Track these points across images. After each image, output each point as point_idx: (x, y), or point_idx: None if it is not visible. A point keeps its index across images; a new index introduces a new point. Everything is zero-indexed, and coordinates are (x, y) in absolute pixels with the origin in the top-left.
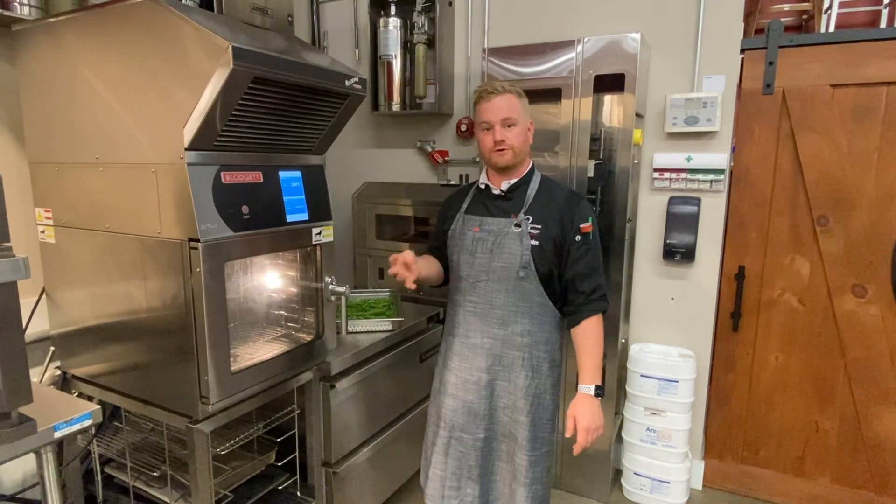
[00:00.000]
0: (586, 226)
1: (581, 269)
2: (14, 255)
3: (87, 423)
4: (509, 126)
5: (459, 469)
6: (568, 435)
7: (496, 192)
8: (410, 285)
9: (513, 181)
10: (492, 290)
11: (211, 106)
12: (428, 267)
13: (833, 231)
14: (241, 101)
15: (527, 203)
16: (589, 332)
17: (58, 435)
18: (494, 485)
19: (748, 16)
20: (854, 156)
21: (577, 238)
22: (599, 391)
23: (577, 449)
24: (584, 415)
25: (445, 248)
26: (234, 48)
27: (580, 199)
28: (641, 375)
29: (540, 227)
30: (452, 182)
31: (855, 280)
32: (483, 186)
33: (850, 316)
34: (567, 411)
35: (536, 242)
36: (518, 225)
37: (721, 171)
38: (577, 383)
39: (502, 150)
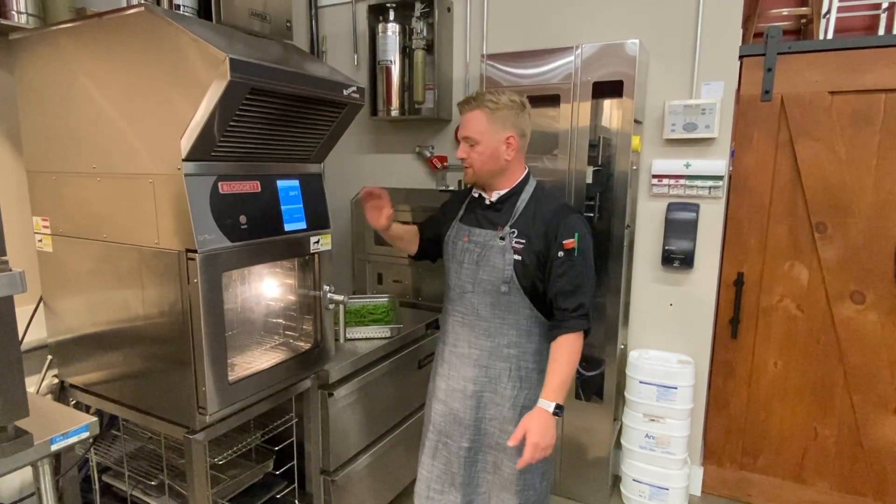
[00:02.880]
0: (569, 242)
1: (563, 286)
2: (11, 270)
3: (84, 435)
4: (471, 145)
5: (444, 473)
6: (511, 444)
7: (487, 202)
8: (381, 222)
9: (503, 192)
10: (478, 302)
11: (208, 117)
12: (404, 227)
13: (832, 238)
14: (238, 112)
15: (514, 216)
16: (562, 349)
17: (55, 448)
18: (478, 497)
19: (747, 20)
20: (853, 163)
21: (560, 254)
22: (559, 411)
23: (520, 463)
24: (535, 431)
25: (433, 234)
26: (231, 60)
27: (569, 213)
28: (640, 382)
29: (524, 241)
30: (451, 187)
31: (854, 287)
32: (476, 195)
33: (848, 323)
34: (521, 421)
35: (519, 257)
36: (502, 238)
37: (720, 178)
38: (576, 388)
39: (466, 167)
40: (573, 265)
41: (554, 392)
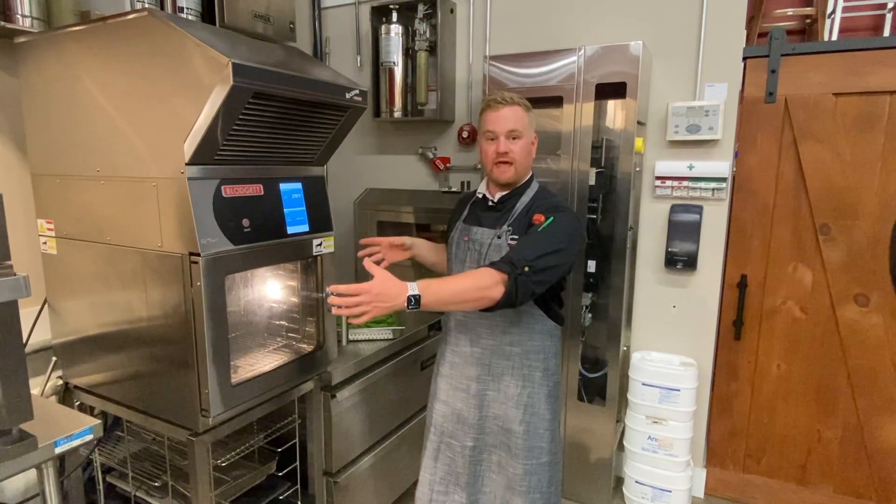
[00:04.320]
0: (538, 216)
1: (514, 247)
2: (15, 274)
3: (88, 437)
4: (514, 139)
5: (448, 475)
6: (332, 290)
7: (490, 202)
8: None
9: (505, 192)
10: None
11: (211, 121)
12: (438, 254)
13: (835, 240)
14: (241, 116)
15: (513, 215)
16: (473, 273)
17: (59, 450)
18: (484, 496)
19: (751, 19)
20: (857, 165)
21: (528, 231)
22: (413, 300)
23: (332, 288)
24: (380, 289)
25: None
26: (234, 64)
27: (557, 208)
28: (643, 384)
29: (517, 238)
30: (454, 189)
31: (858, 289)
32: (480, 196)
33: (852, 325)
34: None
35: None
36: (499, 237)
37: (723, 180)
38: (578, 390)
39: (505, 163)
40: (529, 234)
41: (427, 285)
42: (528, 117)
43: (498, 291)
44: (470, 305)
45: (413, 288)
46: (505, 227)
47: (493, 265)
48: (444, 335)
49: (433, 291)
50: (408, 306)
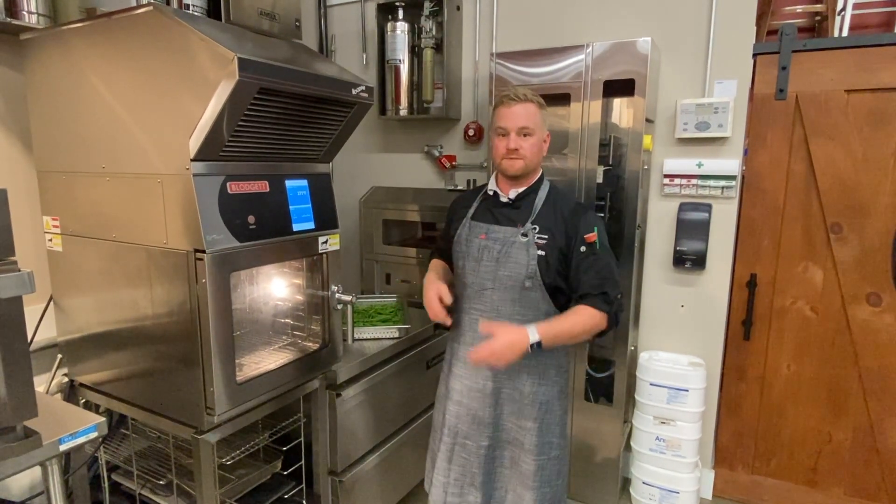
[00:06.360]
0: (591, 235)
1: (590, 279)
2: (19, 270)
3: (93, 435)
4: (525, 135)
5: (462, 475)
6: (472, 357)
7: (504, 199)
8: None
9: (521, 189)
10: (497, 299)
11: (217, 116)
12: (443, 275)
13: (847, 239)
14: (247, 112)
15: (534, 213)
16: (579, 313)
17: (63, 448)
18: (497, 492)
19: (760, 17)
20: (869, 162)
21: (582, 249)
22: (537, 346)
23: (471, 354)
24: (503, 341)
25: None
26: (239, 59)
27: (586, 209)
28: (651, 384)
29: (546, 237)
30: (460, 187)
31: (870, 289)
32: (491, 193)
33: (864, 325)
34: (500, 327)
35: (543, 253)
36: (525, 234)
37: (732, 178)
38: (585, 390)
39: (514, 158)
40: (598, 258)
41: (546, 332)
42: (541, 115)
43: (604, 324)
44: (581, 340)
45: (534, 335)
46: (529, 225)
47: (592, 305)
48: (455, 335)
49: (552, 336)
50: (531, 349)
